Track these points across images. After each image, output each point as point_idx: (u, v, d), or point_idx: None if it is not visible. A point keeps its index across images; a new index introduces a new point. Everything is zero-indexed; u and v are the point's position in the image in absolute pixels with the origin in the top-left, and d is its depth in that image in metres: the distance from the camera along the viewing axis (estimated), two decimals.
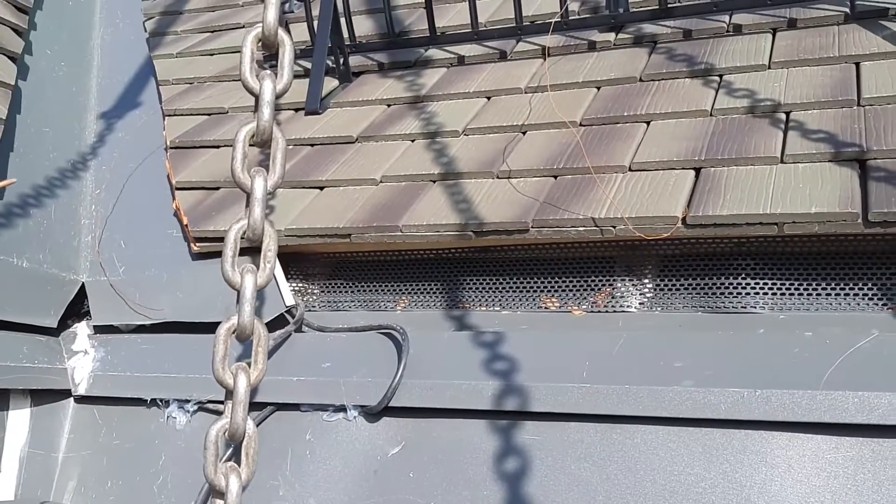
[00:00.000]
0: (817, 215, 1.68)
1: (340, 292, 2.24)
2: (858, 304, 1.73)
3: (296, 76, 2.90)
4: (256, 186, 1.12)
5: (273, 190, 1.15)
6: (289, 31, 2.86)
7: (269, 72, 1.12)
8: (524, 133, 2.29)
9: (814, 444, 1.45)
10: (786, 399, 1.46)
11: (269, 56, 3.04)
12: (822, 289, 1.77)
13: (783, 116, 2.02)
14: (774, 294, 1.80)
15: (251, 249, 1.16)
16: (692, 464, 1.51)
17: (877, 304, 1.71)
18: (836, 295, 1.76)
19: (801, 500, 1.42)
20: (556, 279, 2.02)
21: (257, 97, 1.11)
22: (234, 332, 1.12)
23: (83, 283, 2.39)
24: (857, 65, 2.14)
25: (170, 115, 2.95)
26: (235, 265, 1.12)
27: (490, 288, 2.09)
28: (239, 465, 1.12)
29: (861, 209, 1.66)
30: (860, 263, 1.75)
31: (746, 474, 1.47)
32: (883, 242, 1.73)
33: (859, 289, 1.74)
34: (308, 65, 2.82)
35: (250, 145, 1.13)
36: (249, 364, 1.14)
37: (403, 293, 2.17)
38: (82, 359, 2.17)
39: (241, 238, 1.14)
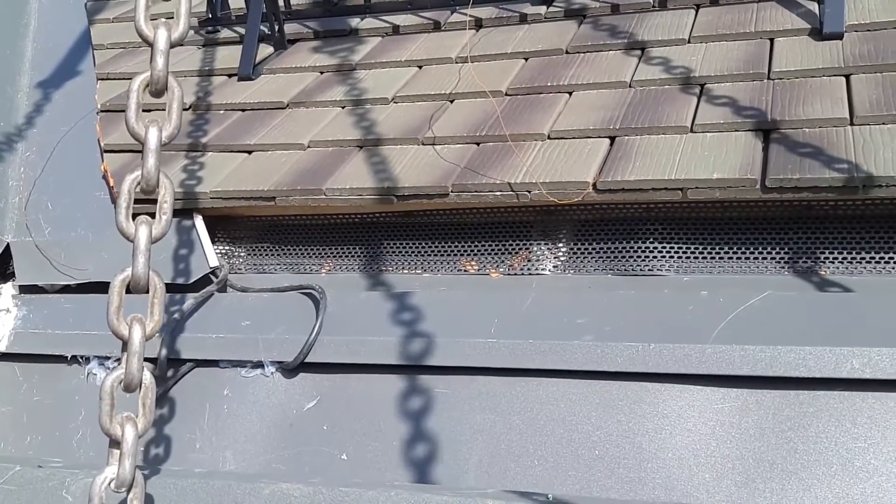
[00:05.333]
0: (718, 181, 1.75)
1: (266, 256, 2.27)
2: (757, 267, 1.81)
3: (230, 42, 2.95)
4: (150, 137, 1.13)
5: (169, 141, 1.16)
6: None
7: (163, 20, 1.14)
8: (451, 101, 2.33)
9: (703, 395, 1.52)
10: (678, 352, 1.53)
11: (209, 33, 3.04)
12: (725, 252, 1.85)
13: (697, 88, 2.09)
14: (679, 258, 1.87)
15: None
16: (590, 414, 1.57)
17: (774, 267, 1.79)
18: (738, 258, 1.83)
19: (689, 448, 1.49)
20: (476, 243, 2.07)
21: (152, 45, 1.12)
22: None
23: (8, 244, 2.38)
24: (772, 40, 2.22)
25: (102, 80, 2.94)
26: (129, 217, 1.13)
27: (412, 252, 2.13)
28: (136, 416, 1.14)
29: (760, 176, 1.73)
30: (759, 228, 1.83)
31: (639, 423, 1.53)
32: (781, 208, 1.80)
33: (759, 252, 1.82)
34: (243, 31, 2.82)
35: (146, 105, 1.14)
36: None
37: (328, 257, 2.21)
38: (4, 317, 2.16)
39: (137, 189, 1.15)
